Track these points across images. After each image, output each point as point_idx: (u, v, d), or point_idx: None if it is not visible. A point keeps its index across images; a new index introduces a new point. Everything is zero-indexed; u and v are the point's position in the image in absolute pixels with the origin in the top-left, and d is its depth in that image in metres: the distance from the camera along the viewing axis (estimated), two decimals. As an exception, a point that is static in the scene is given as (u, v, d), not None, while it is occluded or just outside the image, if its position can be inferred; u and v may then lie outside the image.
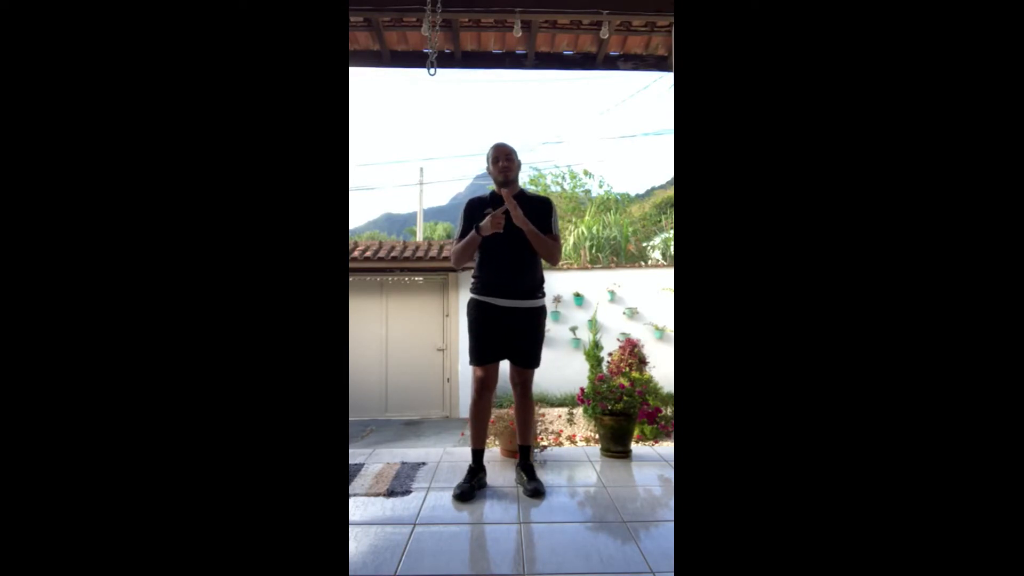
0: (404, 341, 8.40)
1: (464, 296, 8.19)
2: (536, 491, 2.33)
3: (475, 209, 2.47)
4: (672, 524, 1.98)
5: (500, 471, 2.61)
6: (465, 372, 8.08)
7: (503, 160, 2.45)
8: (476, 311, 2.45)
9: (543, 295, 2.51)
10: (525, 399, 2.53)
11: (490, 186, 2.61)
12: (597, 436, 3.23)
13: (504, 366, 2.53)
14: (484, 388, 2.45)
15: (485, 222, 2.33)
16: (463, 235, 2.47)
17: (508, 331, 2.42)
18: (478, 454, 2.49)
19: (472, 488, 2.36)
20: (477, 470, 2.45)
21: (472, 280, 2.49)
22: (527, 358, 2.48)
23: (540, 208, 2.50)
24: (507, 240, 2.37)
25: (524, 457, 2.53)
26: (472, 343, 2.46)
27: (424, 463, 2.75)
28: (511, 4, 2.84)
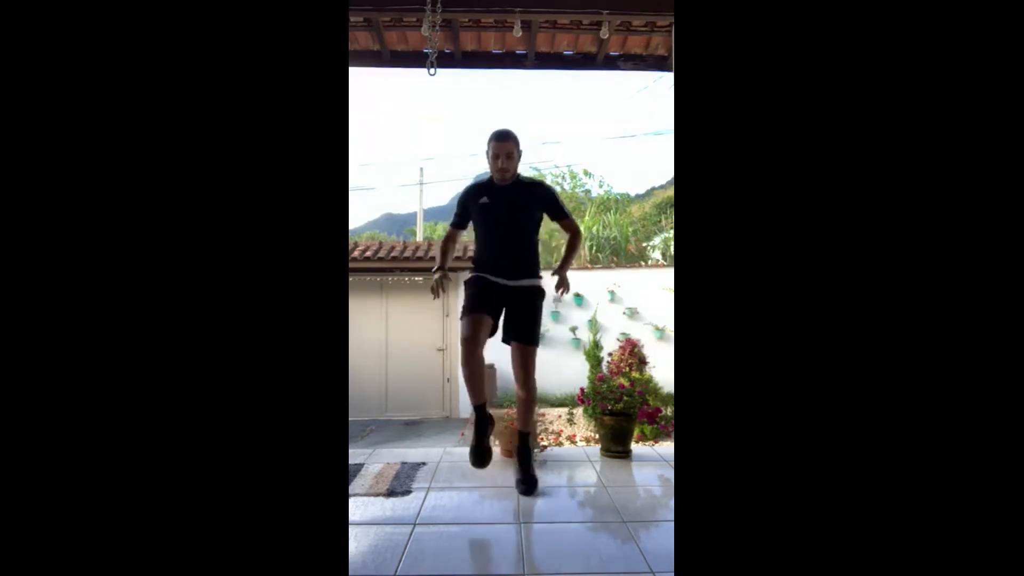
0: (404, 341, 8.39)
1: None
2: (526, 490, 2.27)
3: (471, 197, 2.53)
4: (672, 524, 1.97)
5: (500, 471, 2.61)
6: (465, 372, 8.07)
7: (503, 160, 2.42)
8: (474, 278, 2.51)
9: (540, 277, 2.55)
10: (527, 383, 2.46)
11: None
12: (597, 436, 3.23)
13: (505, 355, 2.51)
14: (473, 344, 2.37)
15: (433, 283, 2.45)
16: (456, 222, 2.59)
17: (504, 300, 2.46)
18: (480, 408, 2.46)
19: (488, 450, 2.42)
20: (485, 423, 2.46)
21: (471, 258, 2.59)
22: (525, 333, 2.45)
23: (542, 196, 2.55)
24: (502, 227, 2.46)
25: (522, 443, 2.46)
26: (466, 301, 2.46)
27: (424, 463, 2.75)
28: (511, 4, 2.84)
